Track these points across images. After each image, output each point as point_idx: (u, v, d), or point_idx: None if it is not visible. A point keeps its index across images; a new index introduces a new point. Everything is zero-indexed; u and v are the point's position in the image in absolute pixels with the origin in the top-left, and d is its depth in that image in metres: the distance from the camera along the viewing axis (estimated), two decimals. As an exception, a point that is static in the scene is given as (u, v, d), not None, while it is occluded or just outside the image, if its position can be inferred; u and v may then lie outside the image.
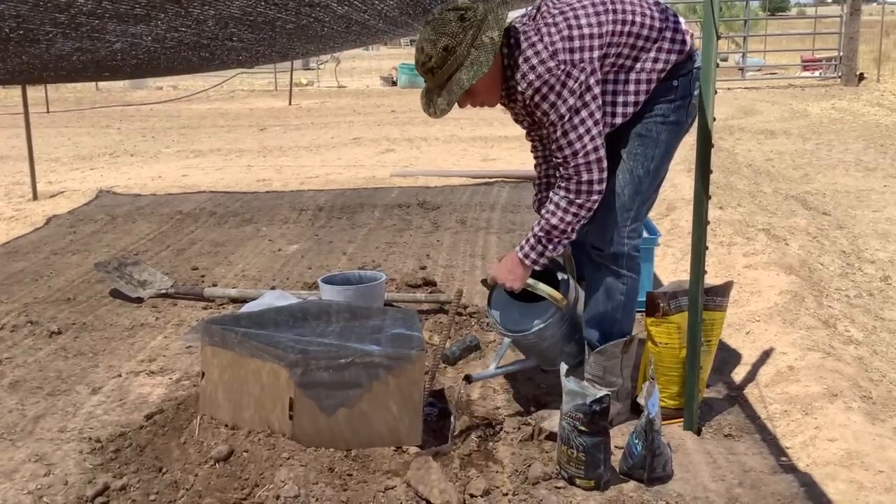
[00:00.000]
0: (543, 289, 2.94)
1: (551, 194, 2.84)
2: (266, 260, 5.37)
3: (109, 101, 18.36)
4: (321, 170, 9.06)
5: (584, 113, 2.70)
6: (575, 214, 2.79)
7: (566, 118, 2.70)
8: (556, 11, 2.77)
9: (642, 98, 2.83)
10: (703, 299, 2.86)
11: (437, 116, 2.77)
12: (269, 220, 6.51)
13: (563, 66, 2.68)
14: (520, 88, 2.72)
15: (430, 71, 2.73)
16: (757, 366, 3.51)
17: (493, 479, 2.66)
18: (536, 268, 2.91)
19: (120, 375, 3.59)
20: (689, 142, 3.03)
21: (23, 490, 2.67)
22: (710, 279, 3.04)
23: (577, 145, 2.71)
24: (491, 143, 10.48)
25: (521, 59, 2.70)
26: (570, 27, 2.70)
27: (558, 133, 2.72)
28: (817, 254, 5.32)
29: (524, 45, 2.71)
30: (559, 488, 2.60)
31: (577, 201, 2.77)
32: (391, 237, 5.88)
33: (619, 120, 2.85)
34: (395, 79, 21.45)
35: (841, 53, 17.75)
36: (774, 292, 4.26)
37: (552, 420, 2.90)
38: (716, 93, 2.79)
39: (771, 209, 6.52)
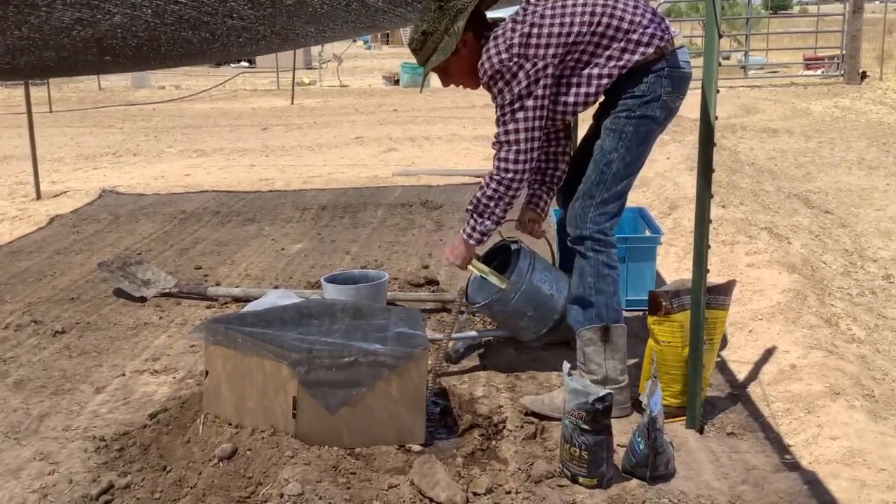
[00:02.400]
0: (481, 269, 3.32)
1: (485, 177, 3.14)
2: (269, 259, 5.39)
3: (112, 100, 18.38)
4: (324, 169, 9.06)
5: (527, 101, 3.00)
6: (494, 190, 3.11)
7: (507, 101, 3.02)
8: (531, 10, 3.05)
9: (600, 91, 3.05)
10: (706, 298, 2.87)
11: (420, 91, 3.25)
12: (272, 220, 6.52)
13: (514, 59, 2.97)
14: (480, 73, 3.05)
15: (415, 51, 3.15)
16: (759, 364, 3.51)
17: (496, 477, 2.66)
18: (472, 243, 3.21)
19: (124, 374, 3.60)
20: (691, 140, 3.06)
21: (28, 488, 2.68)
22: (713, 278, 3.04)
23: (508, 126, 3.04)
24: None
25: (483, 50, 3.04)
26: (532, 25, 2.98)
27: (499, 113, 3.06)
28: (820, 252, 5.32)
29: (491, 37, 3.03)
30: (562, 486, 2.61)
31: (496, 177, 3.10)
32: (394, 236, 5.88)
33: (580, 109, 3.12)
34: (397, 78, 21.45)
35: (843, 51, 17.72)
36: (777, 291, 4.26)
37: (532, 396, 3.11)
38: (718, 91, 2.80)
39: (773, 208, 6.52)
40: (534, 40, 2.97)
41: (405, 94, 18.41)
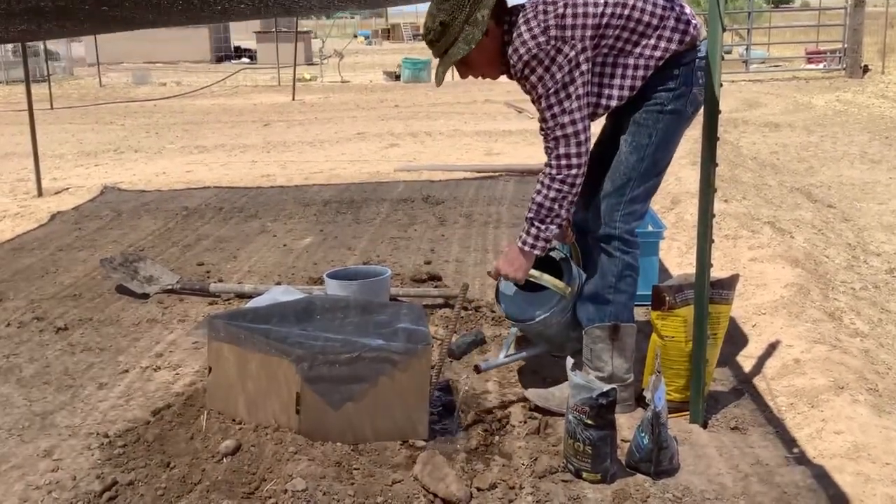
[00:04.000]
0: (546, 279, 3.00)
1: (542, 179, 2.89)
2: (272, 255, 5.38)
3: (113, 97, 18.38)
4: (325, 165, 9.06)
5: (570, 88, 2.80)
6: (558, 190, 2.85)
7: (551, 90, 2.81)
8: None
9: (638, 83, 2.89)
10: (709, 292, 2.86)
11: (437, 84, 3.01)
12: (275, 216, 6.52)
13: (552, 42, 2.79)
14: (512, 62, 2.85)
15: (431, 43, 2.95)
16: (763, 359, 3.51)
17: (500, 472, 2.66)
18: (536, 253, 2.94)
19: (127, 371, 3.60)
20: (692, 135, 3.05)
21: (32, 485, 2.68)
22: (716, 272, 3.04)
23: (561, 118, 2.81)
24: (495, 138, 10.48)
25: (514, 35, 2.84)
26: (566, 6, 2.81)
27: (543, 105, 2.84)
28: (823, 246, 5.31)
29: (520, 21, 2.85)
30: (566, 482, 2.61)
31: (558, 176, 2.84)
32: (396, 232, 5.88)
33: (613, 103, 2.92)
34: (398, 73, 21.44)
35: (845, 45, 17.70)
36: (780, 285, 4.26)
37: (536, 390, 3.09)
38: (721, 85, 2.79)
39: (776, 202, 6.51)
40: (569, 20, 2.79)
41: (406, 89, 18.40)
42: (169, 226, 6.31)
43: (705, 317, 2.86)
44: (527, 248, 2.93)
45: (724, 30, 2.74)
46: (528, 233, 2.93)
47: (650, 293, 3.04)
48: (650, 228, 4.29)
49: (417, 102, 15.31)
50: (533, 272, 2.98)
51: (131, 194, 7.65)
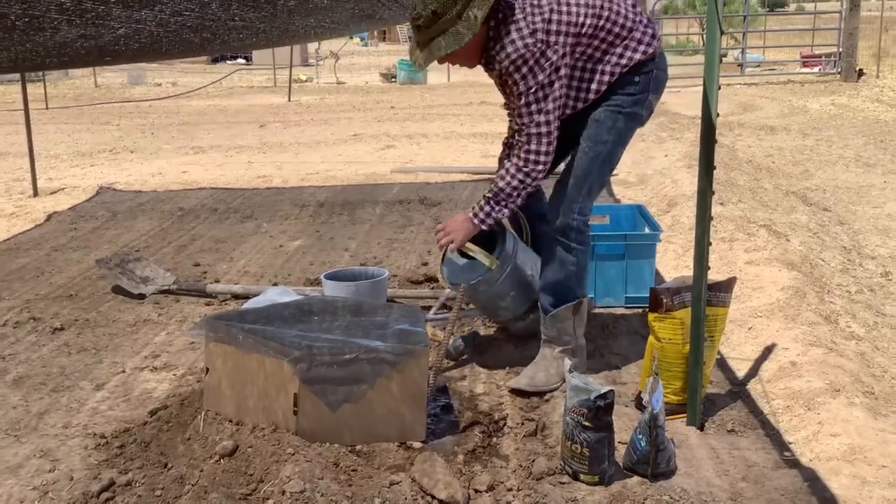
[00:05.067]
0: (476, 251, 3.28)
1: (509, 167, 3.14)
2: (268, 256, 5.38)
3: (108, 97, 18.34)
4: (321, 166, 9.05)
5: (549, 90, 3.02)
6: (521, 181, 3.12)
7: (532, 89, 3.00)
8: None
9: (604, 88, 3.14)
10: (707, 295, 2.87)
11: (415, 66, 3.10)
12: (271, 217, 6.52)
13: (539, 45, 2.97)
14: (498, 59, 3.00)
15: (418, 28, 3.01)
16: (759, 361, 3.52)
17: (497, 474, 2.66)
18: (483, 227, 3.22)
19: (123, 371, 3.59)
20: (689, 138, 3.07)
21: (28, 486, 2.68)
22: (712, 275, 3.04)
23: (537, 117, 3.03)
24: (490, 140, 10.48)
25: (503, 33, 2.99)
26: (552, 11, 3.01)
27: (522, 102, 3.03)
28: (818, 250, 5.32)
29: (509, 20, 2.99)
30: (563, 483, 2.61)
31: (524, 169, 3.11)
32: (392, 233, 5.88)
33: (580, 105, 3.17)
34: (394, 74, 21.43)
35: (840, 49, 17.73)
36: (776, 288, 4.27)
37: (516, 380, 3.25)
38: (719, 88, 2.80)
39: (771, 205, 6.52)
40: (554, 26, 3.00)
41: (402, 90, 18.40)
42: (164, 226, 6.30)
43: (702, 319, 2.87)
44: (476, 221, 3.21)
45: (722, 33, 2.74)
46: (481, 208, 3.20)
47: (647, 295, 3.05)
48: (647, 231, 4.30)
49: (413, 104, 15.31)
50: (468, 244, 3.26)
51: (127, 195, 7.63)
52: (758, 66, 20.66)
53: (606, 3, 3.08)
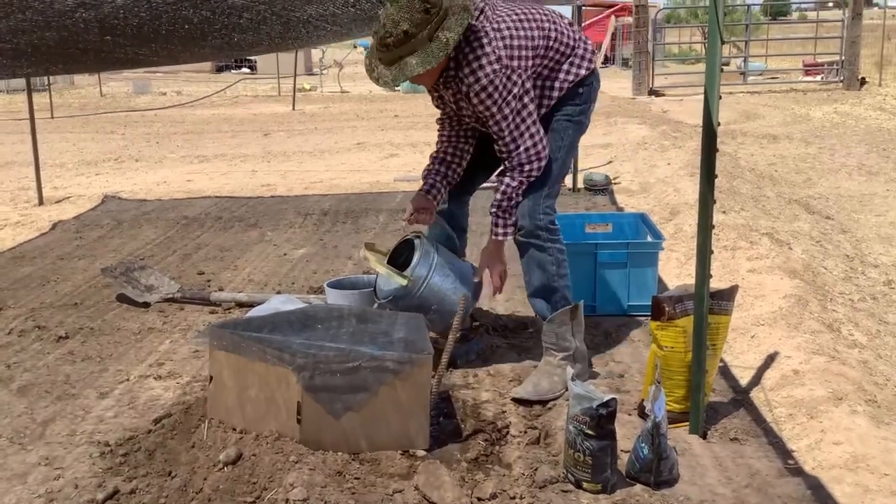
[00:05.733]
0: (382, 267, 3.39)
1: (505, 179, 3.28)
2: (272, 264, 5.40)
3: (114, 106, 18.41)
4: (325, 175, 9.08)
5: (524, 113, 3.20)
6: (522, 190, 3.31)
7: (510, 119, 3.17)
8: (500, 19, 3.20)
9: (553, 102, 3.37)
10: (709, 303, 2.88)
11: (378, 84, 3.15)
12: (275, 225, 6.54)
13: (505, 71, 3.12)
14: (467, 82, 3.10)
15: (386, 45, 3.05)
16: (762, 369, 3.52)
17: (500, 482, 2.67)
18: (509, 238, 3.37)
19: (128, 379, 3.60)
20: (691, 146, 3.10)
21: (34, 493, 2.69)
22: (715, 283, 3.06)
23: (521, 142, 3.21)
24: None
25: (471, 57, 3.09)
26: (511, 37, 3.16)
27: (505, 132, 3.19)
28: (821, 258, 5.33)
29: (474, 44, 3.10)
30: (566, 492, 2.62)
31: (525, 184, 3.29)
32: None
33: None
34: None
35: (843, 58, 17.75)
36: (779, 296, 4.27)
37: (521, 389, 3.27)
38: (720, 97, 2.81)
39: (774, 213, 6.53)
40: (515, 52, 3.16)
41: (406, 99, 18.44)
42: (169, 235, 6.33)
43: (704, 327, 2.87)
44: (501, 239, 3.38)
45: (722, 42, 2.76)
46: (497, 226, 3.35)
47: (650, 303, 3.06)
48: (649, 239, 4.31)
49: (417, 113, 15.34)
50: (374, 260, 3.41)
51: (132, 203, 7.66)
52: (760, 74, 20.68)
53: (551, 25, 3.29)
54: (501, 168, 3.38)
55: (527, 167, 3.25)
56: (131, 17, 2.94)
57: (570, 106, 3.39)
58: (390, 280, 3.41)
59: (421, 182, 3.60)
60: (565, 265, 3.41)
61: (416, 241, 3.46)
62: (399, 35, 2.99)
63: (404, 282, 3.34)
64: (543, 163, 3.27)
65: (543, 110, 3.35)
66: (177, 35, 3.48)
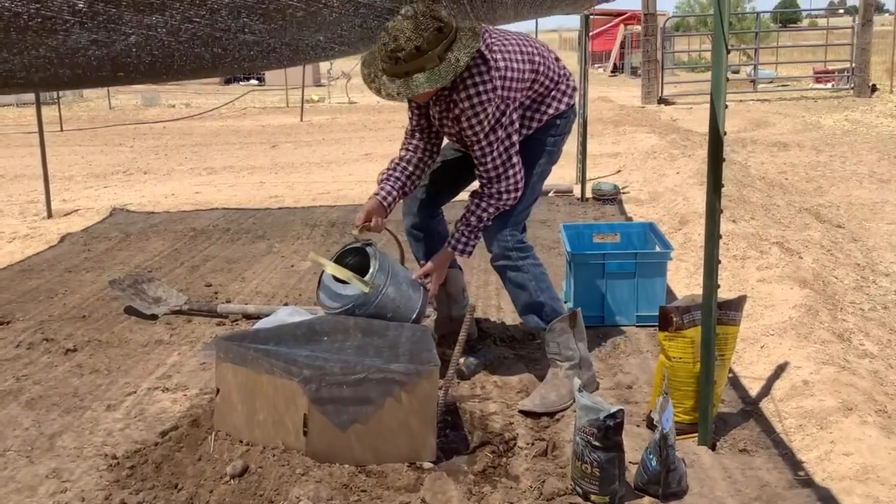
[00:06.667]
0: (343, 273, 3.30)
1: (479, 202, 3.33)
2: (279, 276, 5.40)
3: (122, 119, 18.51)
4: (333, 186, 9.10)
5: (507, 143, 3.25)
6: (496, 210, 3.36)
7: (495, 146, 3.22)
8: (497, 49, 3.23)
9: (530, 133, 3.42)
10: (717, 313, 2.86)
11: (379, 95, 3.12)
12: (282, 237, 6.54)
13: (497, 102, 3.18)
14: (461, 106, 3.15)
15: (395, 59, 3.03)
16: (771, 380, 3.50)
17: (507, 494, 2.65)
18: (465, 256, 3.45)
19: (135, 392, 3.60)
20: (700, 155, 3.09)
21: (40, 507, 2.69)
22: (724, 293, 3.04)
23: (503, 171, 3.27)
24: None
25: (469, 83, 3.13)
26: (506, 68, 3.21)
27: (488, 159, 3.24)
28: (831, 267, 5.30)
29: (473, 70, 3.13)
30: (574, 504, 2.60)
31: (499, 203, 3.34)
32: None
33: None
34: (406, 94, 21.49)
35: (853, 65, 17.72)
36: (788, 306, 4.25)
37: (528, 402, 3.26)
38: (727, 106, 2.80)
39: (784, 222, 6.50)
40: (507, 83, 3.22)
41: (414, 110, 18.45)
42: (177, 247, 6.34)
43: (713, 338, 2.86)
44: (457, 252, 3.44)
45: (728, 52, 2.75)
46: (458, 240, 3.41)
47: (658, 314, 3.04)
48: (658, 249, 4.30)
49: (425, 123, 15.34)
50: (332, 267, 3.32)
51: (140, 216, 7.69)
52: (770, 82, 20.66)
53: (540, 59, 3.35)
54: (475, 190, 3.41)
55: (505, 196, 3.31)
56: (144, 55, 2.97)
57: (547, 136, 3.45)
58: (344, 288, 3.32)
59: (376, 186, 3.55)
60: (545, 278, 3.44)
61: (370, 250, 3.41)
62: (411, 50, 2.99)
63: (366, 289, 3.27)
64: (520, 194, 3.33)
65: (520, 138, 3.38)
66: (188, 68, 3.51)
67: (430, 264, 3.52)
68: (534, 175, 3.43)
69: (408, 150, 3.57)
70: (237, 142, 13.76)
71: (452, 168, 3.69)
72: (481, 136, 3.20)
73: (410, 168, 3.54)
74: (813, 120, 13.79)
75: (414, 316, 3.38)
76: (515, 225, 3.42)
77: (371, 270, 3.32)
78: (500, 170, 3.27)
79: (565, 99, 3.46)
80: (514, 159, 3.28)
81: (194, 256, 6.02)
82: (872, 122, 13.30)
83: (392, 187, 3.51)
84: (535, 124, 3.42)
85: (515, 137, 3.28)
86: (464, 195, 3.69)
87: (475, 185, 3.47)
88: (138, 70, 3.22)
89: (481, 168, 3.30)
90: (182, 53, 3.07)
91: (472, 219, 3.37)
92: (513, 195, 3.32)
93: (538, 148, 3.44)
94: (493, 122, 3.18)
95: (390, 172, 3.55)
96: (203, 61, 3.36)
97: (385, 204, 3.49)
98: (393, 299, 3.34)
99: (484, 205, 3.34)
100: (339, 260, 3.45)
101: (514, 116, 3.27)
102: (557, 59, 3.50)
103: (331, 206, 7.83)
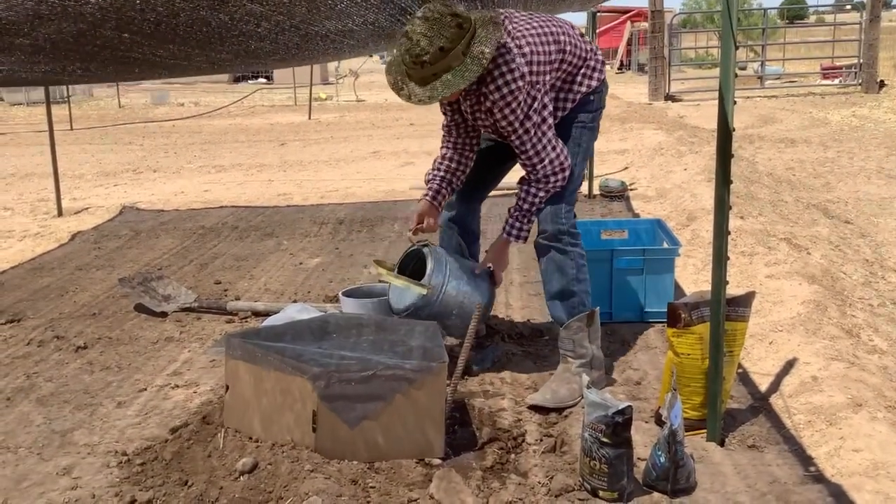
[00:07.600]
0: (398, 280, 3.41)
1: (529, 188, 3.33)
2: (288, 273, 5.41)
3: (132, 117, 18.56)
4: (341, 183, 9.11)
5: (544, 127, 3.25)
6: (546, 194, 3.35)
7: (532, 132, 3.22)
8: (520, 34, 3.23)
9: (567, 112, 3.43)
10: (725, 309, 2.86)
11: (410, 101, 3.10)
12: (291, 234, 6.56)
13: (528, 87, 3.18)
14: (491, 98, 3.15)
15: (421, 63, 3.01)
16: (780, 376, 3.49)
17: (516, 490, 2.66)
18: (521, 242, 3.46)
19: (145, 389, 3.62)
20: (708, 151, 3.09)
21: (52, 503, 2.71)
22: (732, 289, 3.04)
23: (545, 154, 3.26)
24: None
25: (496, 73, 3.12)
26: (532, 52, 3.21)
27: (527, 146, 3.25)
28: (840, 263, 5.28)
29: (499, 60, 3.12)
30: (582, 500, 2.61)
31: (550, 192, 3.34)
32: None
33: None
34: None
35: (861, 60, 17.64)
36: (797, 302, 4.24)
37: (538, 396, 3.26)
38: (735, 102, 2.80)
39: (792, 218, 6.48)
40: (535, 67, 3.21)
41: (421, 108, 18.46)
42: (186, 244, 6.36)
43: (721, 334, 2.85)
44: (513, 240, 3.43)
45: (736, 48, 2.75)
46: (512, 226, 3.40)
47: (666, 310, 3.04)
48: (666, 245, 4.29)
49: (432, 121, 15.35)
50: (387, 275, 3.42)
51: (150, 214, 7.72)
52: (778, 78, 20.59)
53: (566, 38, 3.34)
54: (523, 176, 3.40)
55: (552, 178, 3.30)
56: (148, 11, 2.93)
57: (583, 113, 3.45)
58: (406, 292, 3.42)
59: (425, 187, 3.61)
60: (585, 271, 3.43)
61: (426, 250, 3.47)
62: (435, 52, 2.97)
63: (424, 291, 3.36)
64: (567, 173, 3.33)
65: (557, 120, 3.39)
66: (194, 38, 3.47)
67: (490, 255, 3.55)
68: (578, 154, 3.44)
69: (447, 147, 3.60)
70: (246, 140, 13.79)
71: (489, 158, 3.68)
72: (516, 124, 3.20)
73: (454, 165, 3.58)
74: (820, 116, 13.75)
75: (483, 307, 3.41)
76: (570, 206, 3.41)
77: (427, 272, 3.39)
78: (543, 154, 3.26)
79: (596, 74, 3.45)
80: (554, 141, 3.29)
81: (203, 254, 6.04)
82: (880, 117, 13.24)
83: (439, 185, 3.57)
84: (569, 104, 3.42)
85: (551, 120, 3.28)
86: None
87: (517, 170, 3.51)
88: (143, 32, 3.16)
89: (523, 156, 3.30)
90: (188, 15, 3.02)
91: (525, 205, 3.37)
92: (560, 176, 3.32)
93: (578, 126, 3.45)
94: (526, 109, 3.18)
95: (435, 172, 3.59)
96: (209, 29, 3.30)
97: (435, 203, 3.56)
98: (455, 296, 3.41)
99: (534, 190, 3.34)
100: (403, 264, 3.57)
101: (546, 100, 3.28)
102: (582, 35, 3.48)
103: (339, 203, 7.85)
